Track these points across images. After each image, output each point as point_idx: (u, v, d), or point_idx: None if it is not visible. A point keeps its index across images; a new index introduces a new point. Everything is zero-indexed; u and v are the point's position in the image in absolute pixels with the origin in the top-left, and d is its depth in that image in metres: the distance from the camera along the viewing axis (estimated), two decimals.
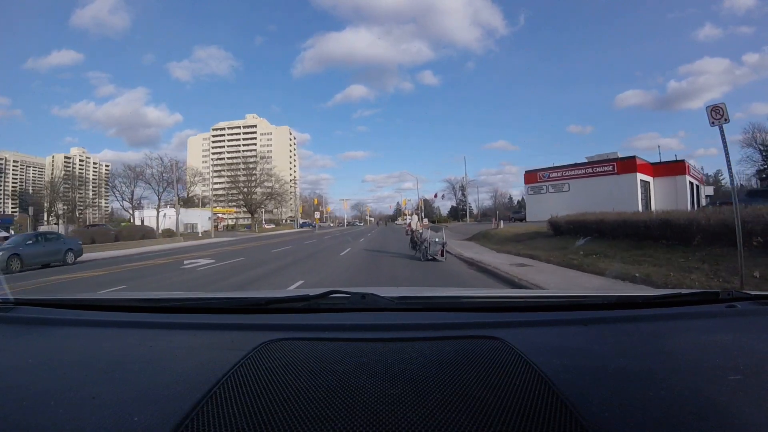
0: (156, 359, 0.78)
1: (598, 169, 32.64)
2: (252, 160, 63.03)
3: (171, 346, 0.85)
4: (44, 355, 0.81)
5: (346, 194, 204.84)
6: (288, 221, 79.60)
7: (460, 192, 73.42)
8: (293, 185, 76.97)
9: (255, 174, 57.57)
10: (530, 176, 38.53)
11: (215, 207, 56.70)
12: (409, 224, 14.46)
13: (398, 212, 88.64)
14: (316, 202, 71.74)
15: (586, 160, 35.05)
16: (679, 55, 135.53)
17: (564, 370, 0.65)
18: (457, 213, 71.33)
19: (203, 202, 52.46)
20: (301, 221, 71.53)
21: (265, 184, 57.94)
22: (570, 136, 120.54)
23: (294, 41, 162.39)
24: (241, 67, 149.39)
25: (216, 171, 60.09)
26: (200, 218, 51.78)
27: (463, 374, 0.64)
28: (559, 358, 0.69)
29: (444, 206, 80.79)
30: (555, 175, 36.02)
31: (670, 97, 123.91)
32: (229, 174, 59.03)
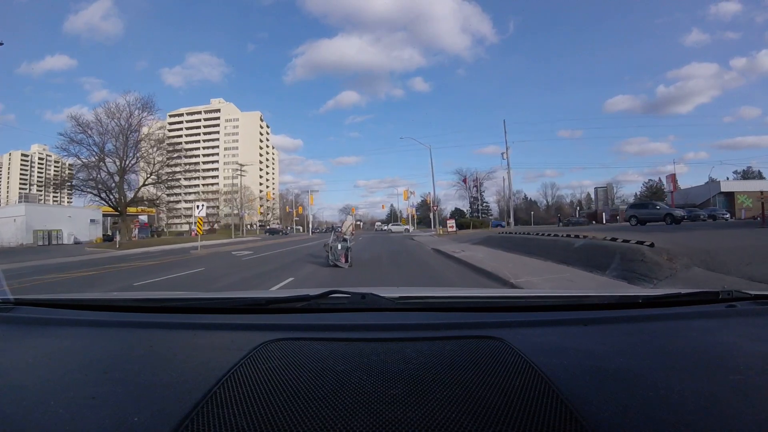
0: (156, 359, 0.78)
1: None
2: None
3: (171, 346, 0.86)
4: (44, 355, 0.81)
5: (339, 199, 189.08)
6: (252, 226, 61.60)
7: (474, 189, 56.36)
8: (241, 173, 52.41)
9: (142, 139, 29.82)
10: None
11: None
12: (341, 229, 10.65)
13: (392, 216, 69.08)
14: (269, 197, 53.60)
15: None
16: (668, 60, 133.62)
17: (564, 370, 0.65)
18: (470, 214, 54.13)
19: (155, 203, 32.10)
20: (276, 226, 53.99)
21: (155, 159, 30.81)
22: (560, 141, 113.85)
23: (285, 48, 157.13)
24: (234, 74, 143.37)
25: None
26: (71, 222, 33.03)
27: (463, 374, 0.64)
28: (559, 358, 0.69)
29: (447, 208, 63.72)
30: None
31: (659, 102, 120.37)
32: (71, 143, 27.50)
